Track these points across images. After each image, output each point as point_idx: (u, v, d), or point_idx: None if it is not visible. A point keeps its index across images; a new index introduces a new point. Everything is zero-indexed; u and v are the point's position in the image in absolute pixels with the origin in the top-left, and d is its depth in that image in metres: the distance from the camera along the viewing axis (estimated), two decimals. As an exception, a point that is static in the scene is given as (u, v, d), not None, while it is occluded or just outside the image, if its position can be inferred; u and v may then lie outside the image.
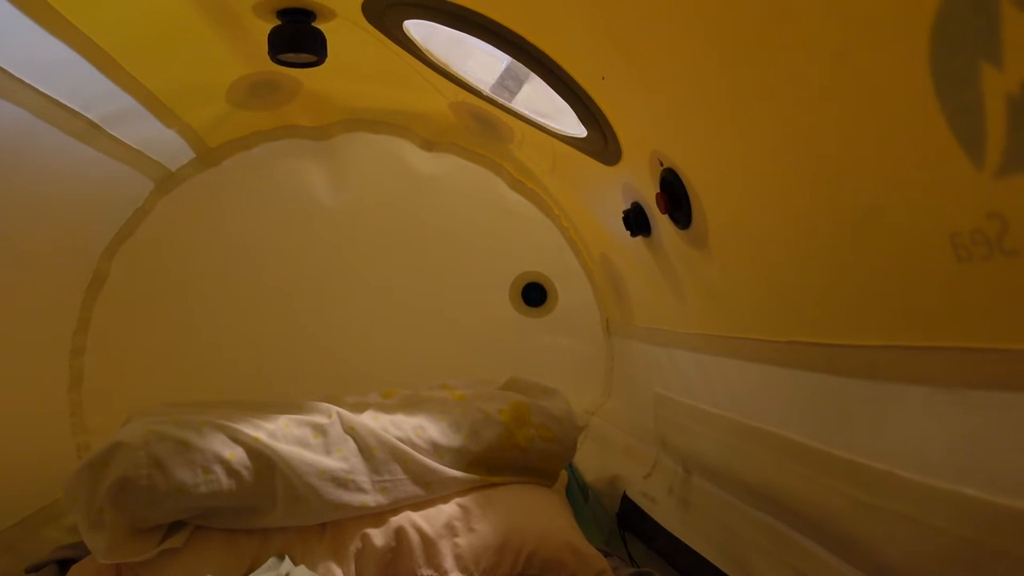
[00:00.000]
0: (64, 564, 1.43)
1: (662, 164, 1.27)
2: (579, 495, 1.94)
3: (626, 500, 1.77)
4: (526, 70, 1.57)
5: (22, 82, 1.30)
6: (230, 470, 1.34)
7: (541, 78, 1.45)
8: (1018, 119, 0.58)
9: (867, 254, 0.86)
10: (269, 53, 1.56)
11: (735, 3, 0.85)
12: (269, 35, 1.54)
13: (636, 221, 1.51)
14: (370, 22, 1.52)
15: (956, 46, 0.62)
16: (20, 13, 1.16)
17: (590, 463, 2.07)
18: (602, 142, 1.47)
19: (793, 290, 1.08)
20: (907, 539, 0.87)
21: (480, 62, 1.69)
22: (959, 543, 0.78)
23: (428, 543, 1.39)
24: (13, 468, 1.66)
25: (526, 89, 1.71)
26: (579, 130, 1.53)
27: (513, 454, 1.58)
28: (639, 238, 1.54)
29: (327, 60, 1.61)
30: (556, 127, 1.67)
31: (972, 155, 0.64)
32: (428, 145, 2.34)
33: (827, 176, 0.89)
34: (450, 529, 1.42)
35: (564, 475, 1.80)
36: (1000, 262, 0.66)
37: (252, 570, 1.32)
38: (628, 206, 1.53)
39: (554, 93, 1.46)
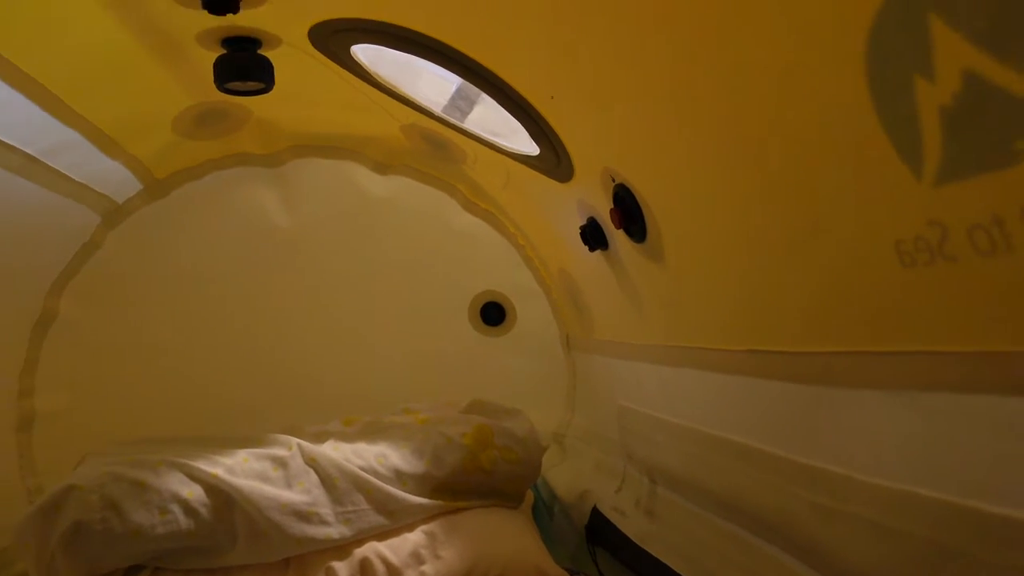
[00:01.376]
0: (16, 615, 1.38)
1: (614, 180, 1.28)
2: (545, 514, 1.93)
3: (596, 514, 1.77)
4: (478, 90, 1.57)
5: None
6: (188, 509, 1.31)
7: (491, 97, 1.45)
8: (952, 130, 0.60)
9: (818, 263, 0.88)
10: (215, 83, 1.54)
11: (681, 24, 0.87)
12: (214, 64, 1.52)
13: (593, 236, 1.52)
14: (317, 48, 1.51)
15: (891, 61, 0.63)
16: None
17: (560, 479, 2.07)
18: (555, 160, 1.48)
19: (749, 300, 1.09)
20: (868, 542, 0.88)
21: (431, 83, 1.70)
22: (917, 544, 0.80)
23: (394, 573, 1.37)
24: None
25: (478, 109, 1.71)
26: (532, 148, 1.54)
27: (477, 477, 1.57)
28: (597, 252, 1.55)
29: (275, 87, 1.60)
30: (509, 146, 1.67)
31: (911, 165, 0.65)
32: (381, 168, 2.33)
33: (775, 188, 0.90)
34: (416, 558, 1.40)
35: (530, 495, 1.79)
36: (942, 267, 0.67)
37: (214, 610, 1.28)
38: (584, 222, 1.54)
39: (506, 112, 1.46)
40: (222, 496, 1.33)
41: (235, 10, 1.28)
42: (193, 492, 1.32)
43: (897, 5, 0.60)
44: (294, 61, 1.57)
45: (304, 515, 1.37)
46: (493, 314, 2.43)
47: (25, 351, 2.00)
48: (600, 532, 1.72)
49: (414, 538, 1.44)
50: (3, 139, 1.41)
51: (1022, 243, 0.59)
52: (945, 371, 0.73)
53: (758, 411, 1.14)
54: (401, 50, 1.41)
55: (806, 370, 0.98)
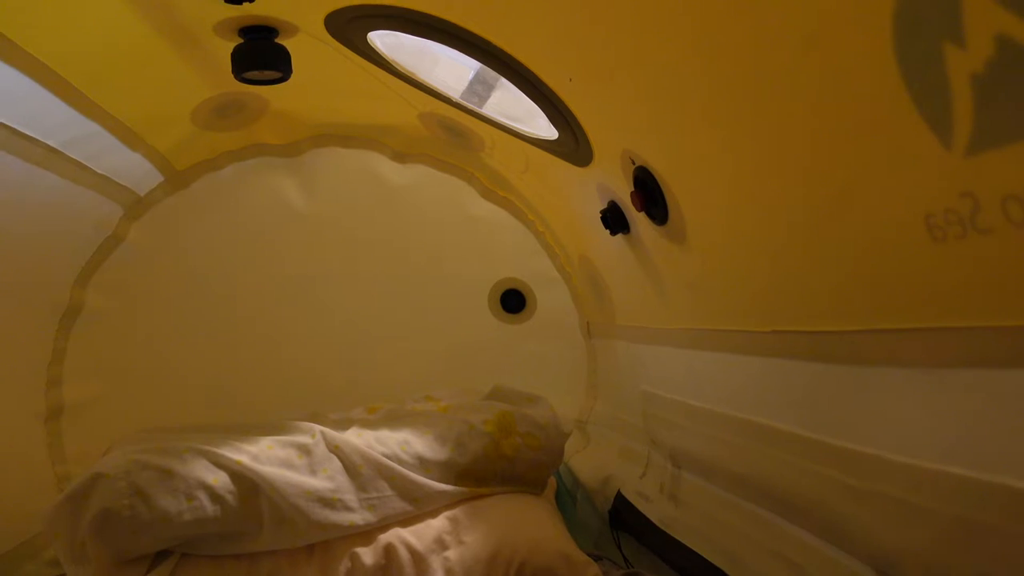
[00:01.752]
0: (48, 602, 1.40)
1: (634, 162, 1.27)
2: (568, 500, 1.93)
3: (620, 499, 1.77)
4: (495, 75, 1.56)
5: None
6: (214, 496, 1.31)
7: (510, 81, 1.44)
8: (985, 97, 0.58)
9: (844, 240, 0.86)
10: (233, 72, 1.54)
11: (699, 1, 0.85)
12: (232, 54, 1.52)
13: (614, 220, 1.51)
14: (333, 36, 1.50)
15: (919, 29, 0.62)
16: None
17: (583, 465, 2.07)
18: (573, 143, 1.47)
19: (773, 279, 1.08)
20: (899, 522, 0.87)
21: (449, 69, 1.69)
22: (949, 523, 0.78)
23: (418, 559, 1.37)
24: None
25: (496, 94, 1.70)
26: (550, 132, 1.53)
27: (500, 464, 1.57)
28: (619, 236, 1.54)
29: (292, 76, 1.60)
30: (527, 130, 1.67)
31: (941, 136, 0.64)
32: (400, 157, 2.33)
33: (799, 164, 0.89)
34: (440, 543, 1.40)
35: (553, 481, 1.79)
36: (975, 241, 0.66)
37: (241, 596, 1.29)
38: (605, 205, 1.53)
39: (525, 97, 1.45)
40: (247, 483, 1.34)
41: (252, -2, 1.29)
42: (219, 479, 1.33)
43: (925, -30, 0.58)
44: (311, 50, 1.56)
45: (328, 501, 1.37)
46: (513, 302, 2.43)
47: (52, 342, 2.03)
48: (624, 517, 1.72)
49: (438, 524, 1.44)
50: (25, 131, 1.42)
51: (1059, 213, 0.57)
52: (977, 347, 0.72)
53: (785, 393, 1.13)
54: (418, 35, 1.40)
55: (833, 350, 0.96)
